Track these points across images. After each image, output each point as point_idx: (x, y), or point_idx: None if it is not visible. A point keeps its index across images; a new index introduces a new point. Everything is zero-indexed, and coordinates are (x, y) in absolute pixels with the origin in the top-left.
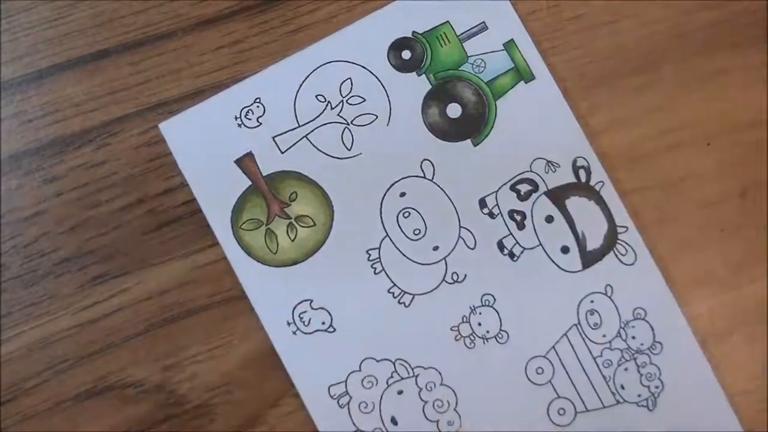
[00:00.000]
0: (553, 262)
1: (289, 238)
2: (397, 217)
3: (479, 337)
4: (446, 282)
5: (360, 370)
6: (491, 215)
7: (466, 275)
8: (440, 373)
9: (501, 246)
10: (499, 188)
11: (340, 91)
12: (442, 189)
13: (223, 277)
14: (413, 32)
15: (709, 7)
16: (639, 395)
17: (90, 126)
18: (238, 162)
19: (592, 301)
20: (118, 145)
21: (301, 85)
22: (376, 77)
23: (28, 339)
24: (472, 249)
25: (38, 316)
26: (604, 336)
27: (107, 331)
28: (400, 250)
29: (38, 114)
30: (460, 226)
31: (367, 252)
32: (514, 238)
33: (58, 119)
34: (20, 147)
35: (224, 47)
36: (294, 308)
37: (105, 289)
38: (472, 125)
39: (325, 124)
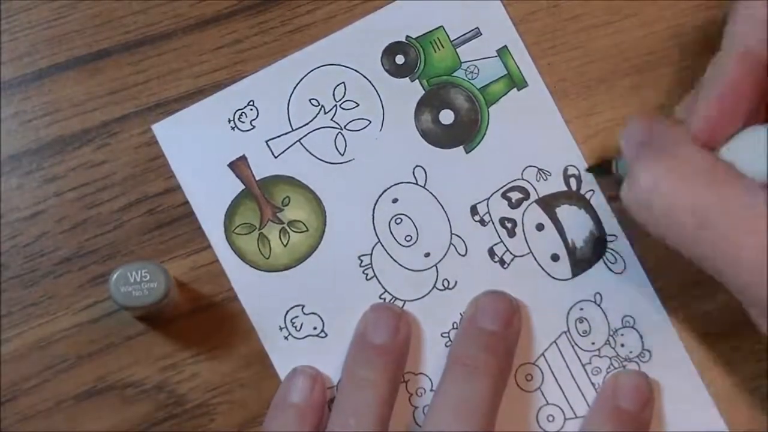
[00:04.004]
0: (543, 269)
1: (282, 243)
2: (389, 223)
3: None
4: (437, 288)
5: None
6: (482, 222)
7: (456, 282)
8: (431, 380)
9: (492, 253)
10: (491, 195)
11: (334, 95)
12: (434, 196)
13: (223, 277)
14: (407, 37)
15: (709, 7)
16: None
17: (90, 126)
18: (232, 165)
19: (581, 309)
20: (118, 145)
21: (294, 89)
22: (370, 82)
23: (28, 339)
24: (463, 256)
25: (38, 316)
26: (593, 343)
27: (107, 331)
28: (391, 257)
29: (38, 114)
30: (452, 233)
31: (359, 258)
32: (505, 246)
33: (58, 119)
34: (20, 147)
35: (224, 47)
36: (286, 313)
37: (105, 288)
38: (465, 132)
39: (319, 128)
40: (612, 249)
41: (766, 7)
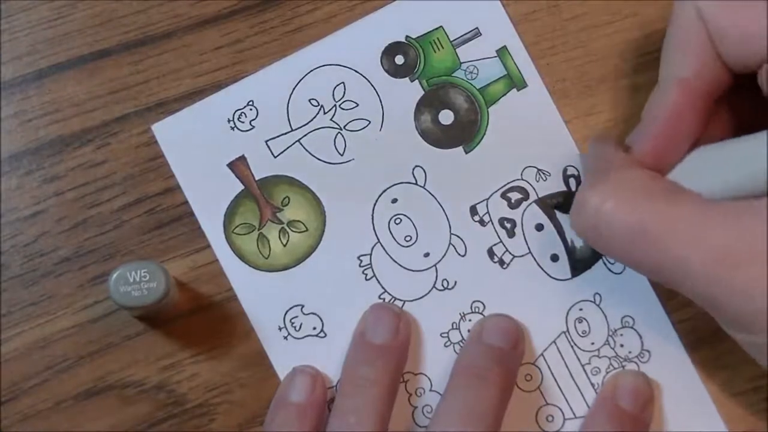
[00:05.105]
0: (543, 270)
1: (281, 243)
2: (389, 223)
3: None
4: (436, 288)
5: None
6: (482, 223)
7: (456, 282)
8: (430, 380)
9: (491, 253)
10: (490, 196)
11: (333, 95)
12: (433, 196)
13: (223, 277)
14: (406, 37)
15: None
16: None
17: (90, 126)
18: (231, 165)
19: (580, 309)
20: (118, 145)
21: (294, 89)
22: (369, 82)
23: (28, 339)
24: (463, 256)
25: (38, 315)
26: (592, 344)
27: (107, 330)
28: (391, 257)
29: (38, 114)
30: (451, 233)
31: (358, 258)
32: (504, 246)
33: (58, 119)
34: (20, 147)
35: (224, 47)
36: (285, 313)
37: (105, 288)
38: (464, 132)
39: (318, 128)
40: None
41: (696, 36)
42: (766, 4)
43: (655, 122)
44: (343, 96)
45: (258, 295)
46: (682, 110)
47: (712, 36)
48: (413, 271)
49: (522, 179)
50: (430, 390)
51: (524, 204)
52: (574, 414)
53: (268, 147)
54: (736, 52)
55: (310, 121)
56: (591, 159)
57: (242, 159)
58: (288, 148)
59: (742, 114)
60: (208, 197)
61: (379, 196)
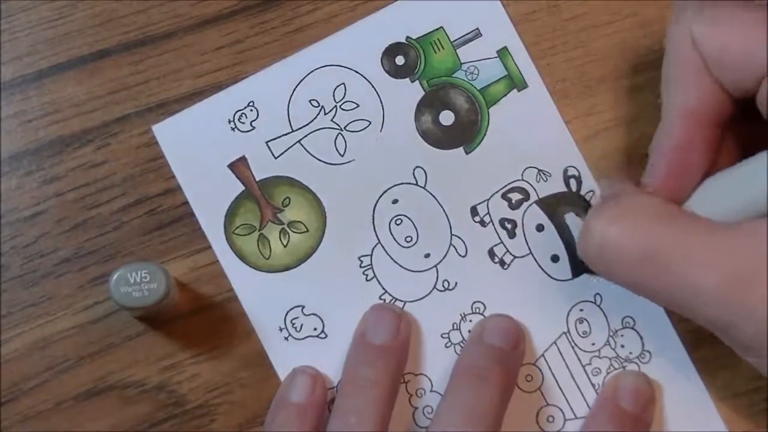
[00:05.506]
0: (543, 270)
1: (282, 243)
2: (389, 224)
3: None
4: (437, 289)
5: None
6: (482, 223)
7: (456, 283)
8: (430, 380)
9: (492, 254)
10: (491, 196)
11: (334, 96)
12: (434, 196)
13: (223, 278)
14: (407, 37)
15: None
16: None
17: (90, 126)
18: (232, 166)
19: (581, 310)
20: (118, 146)
21: (294, 90)
22: (370, 83)
23: (28, 339)
24: (463, 257)
25: (38, 316)
26: (593, 344)
27: (107, 331)
28: (391, 257)
29: (38, 114)
30: (452, 234)
31: (359, 258)
32: (505, 247)
33: (58, 119)
34: (20, 147)
35: (224, 47)
36: (286, 314)
37: (105, 289)
38: (465, 133)
39: (319, 129)
40: None
41: (693, 63)
42: (755, 27)
43: (664, 159)
44: (343, 97)
45: (258, 295)
46: (689, 144)
47: (707, 61)
48: (414, 271)
49: (522, 180)
50: (431, 391)
51: (525, 204)
52: (574, 414)
53: (269, 148)
54: (732, 75)
55: (310, 122)
56: (602, 189)
57: (243, 160)
58: (288, 148)
59: (750, 140)
60: (209, 198)
61: (380, 196)
